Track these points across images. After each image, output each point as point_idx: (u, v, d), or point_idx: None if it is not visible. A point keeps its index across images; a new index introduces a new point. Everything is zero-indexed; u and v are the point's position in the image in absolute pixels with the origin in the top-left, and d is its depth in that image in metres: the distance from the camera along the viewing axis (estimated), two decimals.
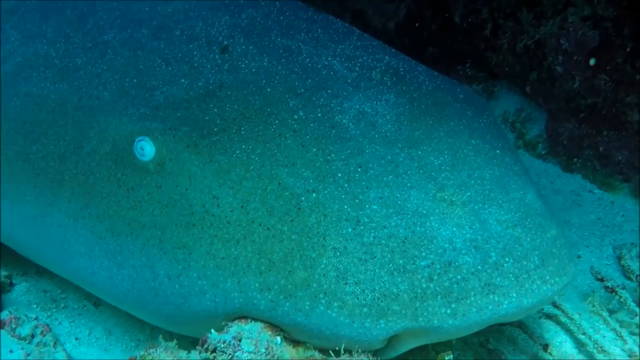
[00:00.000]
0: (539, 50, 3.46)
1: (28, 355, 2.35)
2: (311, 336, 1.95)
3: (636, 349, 2.34)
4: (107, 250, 2.20)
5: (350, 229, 1.93)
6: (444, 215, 1.99)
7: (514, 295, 1.94)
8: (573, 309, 2.48)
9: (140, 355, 1.93)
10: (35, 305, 2.78)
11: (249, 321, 1.99)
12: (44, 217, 2.37)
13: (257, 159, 2.04)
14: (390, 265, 1.89)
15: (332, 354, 1.95)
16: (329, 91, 2.20)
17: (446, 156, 2.13)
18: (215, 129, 2.11)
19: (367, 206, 1.96)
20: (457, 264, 1.91)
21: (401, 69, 2.38)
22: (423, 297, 1.87)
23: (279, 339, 1.96)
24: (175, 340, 1.99)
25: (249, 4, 2.58)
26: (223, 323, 2.00)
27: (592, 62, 3.19)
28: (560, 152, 3.61)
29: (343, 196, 1.98)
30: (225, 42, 2.35)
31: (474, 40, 3.88)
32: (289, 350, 1.98)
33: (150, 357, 1.91)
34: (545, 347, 2.39)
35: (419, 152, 2.11)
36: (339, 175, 2.01)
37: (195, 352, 1.93)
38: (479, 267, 1.93)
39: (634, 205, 3.33)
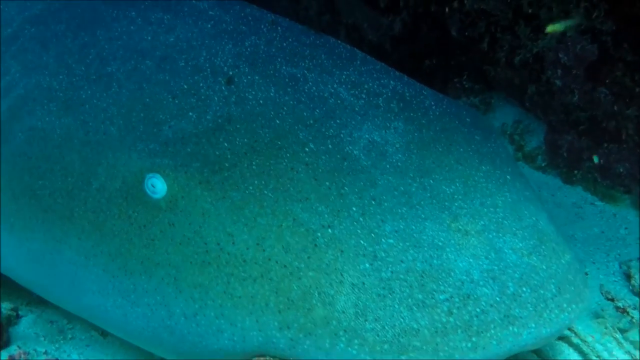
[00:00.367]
0: (537, 64, 3.46)
1: None
2: None
3: None
4: (121, 289, 2.17)
5: (367, 265, 1.92)
6: (460, 246, 1.98)
7: (533, 325, 1.93)
8: (584, 328, 2.48)
9: None
10: (42, 338, 2.73)
11: (267, 359, 1.97)
12: (53, 254, 2.33)
13: (270, 194, 2.02)
14: (410, 300, 1.88)
15: None
16: (338, 121, 2.19)
17: (458, 184, 2.13)
18: (227, 165, 2.08)
19: (383, 240, 1.95)
20: (475, 296, 1.91)
21: (407, 94, 2.37)
22: (444, 332, 1.86)
23: None
24: None
25: (251, 30, 2.55)
26: None
27: None
28: (560, 164, 3.61)
29: (359, 231, 1.96)
30: (231, 73, 2.32)
31: (471, 53, 3.88)
32: None
33: None
34: None
35: (431, 181, 2.10)
36: (354, 209, 2.00)
37: None
38: (497, 298, 1.92)
39: (636, 217, 3.33)
